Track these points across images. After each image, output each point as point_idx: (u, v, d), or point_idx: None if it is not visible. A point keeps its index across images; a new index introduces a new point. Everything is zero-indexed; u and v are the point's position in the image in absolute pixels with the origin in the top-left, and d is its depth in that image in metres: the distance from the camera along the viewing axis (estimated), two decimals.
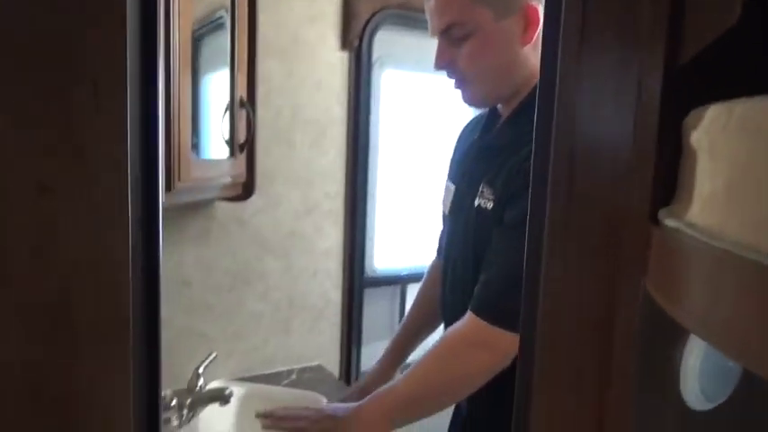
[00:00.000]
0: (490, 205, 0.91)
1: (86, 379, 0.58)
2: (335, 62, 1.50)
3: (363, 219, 1.62)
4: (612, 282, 0.50)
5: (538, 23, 0.85)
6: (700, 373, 0.56)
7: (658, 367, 0.54)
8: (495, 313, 0.86)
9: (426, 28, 0.94)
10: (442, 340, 0.93)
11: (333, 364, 1.65)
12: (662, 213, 0.44)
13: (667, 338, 0.55)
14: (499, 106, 0.99)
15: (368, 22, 1.51)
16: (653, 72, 0.41)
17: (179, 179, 0.99)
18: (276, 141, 1.43)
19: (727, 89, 0.40)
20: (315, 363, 1.60)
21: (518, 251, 0.79)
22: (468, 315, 0.90)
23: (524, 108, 0.92)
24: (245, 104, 1.17)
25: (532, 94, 0.90)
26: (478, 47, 0.87)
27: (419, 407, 0.93)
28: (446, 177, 1.11)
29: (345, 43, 1.50)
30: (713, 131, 0.37)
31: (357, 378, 1.72)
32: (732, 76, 0.41)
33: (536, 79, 0.66)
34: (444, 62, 0.91)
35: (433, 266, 1.25)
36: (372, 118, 1.60)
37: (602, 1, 0.44)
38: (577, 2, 0.46)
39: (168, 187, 0.97)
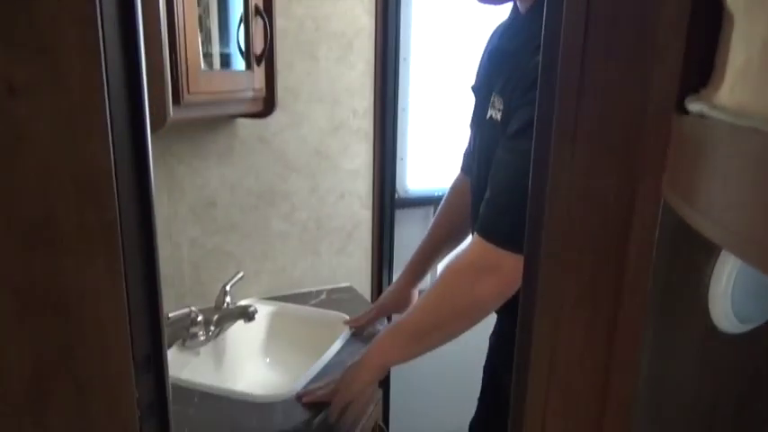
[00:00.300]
0: (499, 116, 0.85)
1: (77, 288, 0.57)
2: None
3: (393, 137, 1.55)
4: (629, 185, 0.43)
5: None
6: (733, 292, 0.49)
7: (682, 284, 0.48)
8: (501, 234, 0.80)
9: None
10: (448, 268, 0.89)
11: (363, 286, 1.64)
12: (688, 100, 0.37)
13: (695, 252, 0.48)
14: (519, 5, 0.89)
15: None
16: None
17: (188, 91, 0.95)
18: (299, 55, 1.36)
19: None
20: (345, 284, 1.59)
21: (521, 164, 0.72)
22: (474, 238, 0.86)
23: (540, 3, 0.83)
24: (260, 13, 1.10)
25: None
26: None
27: (429, 339, 0.91)
28: (473, 87, 1.04)
29: None
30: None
31: None
32: None
33: None
34: None
35: (456, 181, 1.19)
36: (403, 28, 1.50)
37: None
38: None
39: (176, 100, 0.93)
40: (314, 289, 1.55)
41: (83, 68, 0.53)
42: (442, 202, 1.22)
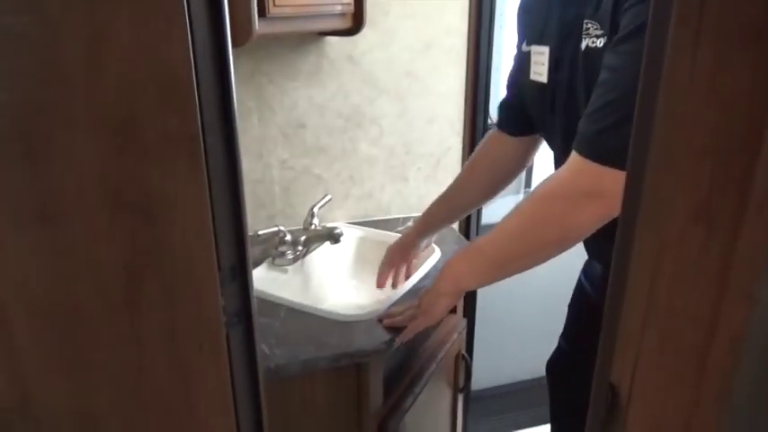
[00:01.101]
0: (601, 42, 0.75)
1: (162, 194, 0.58)
2: None
3: (488, 58, 1.45)
4: (760, 92, 0.35)
5: None
6: None
7: None
8: (608, 151, 0.71)
9: None
10: (539, 194, 0.81)
11: None
12: None
13: None
14: None
15: None
16: None
17: (273, 3, 0.92)
18: None
19: None
20: None
21: (635, 67, 0.62)
22: (573, 157, 0.76)
23: None
24: None
25: None
26: None
27: (512, 266, 0.86)
28: (520, 44, 0.97)
29: None
30: None
31: (477, 234, 1.67)
32: None
33: None
34: None
35: (487, 143, 1.13)
36: None
37: None
38: None
39: (262, 12, 0.91)
40: (401, 216, 1.53)
41: None
42: (467, 164, 1.17)
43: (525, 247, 0.83)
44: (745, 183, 0.38)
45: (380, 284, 1.21)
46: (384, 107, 1.40)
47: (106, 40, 0.51)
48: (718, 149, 0.38)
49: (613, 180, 0.69)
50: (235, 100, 0.61)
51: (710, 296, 0.42)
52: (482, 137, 1.54)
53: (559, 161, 0.90)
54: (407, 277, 1.21)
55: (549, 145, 0.99)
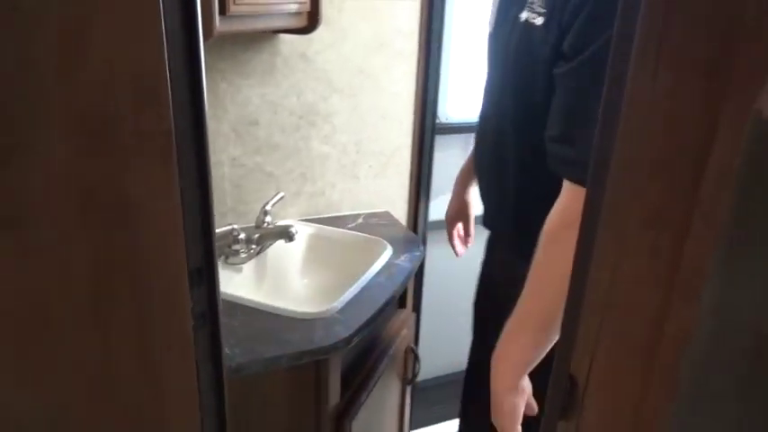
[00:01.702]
0: (540, 20, 0.75)
1: (135, 194, 0.58)
2: None
3: (438, 60, 1.50)
4: (714, 105, 0.40)
5: None
6: None
7: (762, 212, 0.46)
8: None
9: None
10: (547, 231, 0.77)
11: (400, 212, 1.64)
12: None
13: None
14: None
15: None
16: None
17: (234, 2, 0.92)
18: None
19: None
20: (383, 209, 1.60)
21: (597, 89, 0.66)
22: (568, 188, 0.74)
23: None
24: None
25: None
26: None
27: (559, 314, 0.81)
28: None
29: None
30: None
31: (425, 226, 1.71)
32: None
33: None
34: None
35: None
36: None
37: None
38: None
39: (222, 10, 0.90)
40: (351, 213, 1.55)
41: None
42: None
43: (559, 295, 0.79)
44: (692, 195, 0.43)
45: (460, 253, 1.29)
46: (337, 105, 1.42)
47: (80, 39, 0.51)
48: (670, 165, 0.43)
49: None
50: (206, 100, 0.61)
51: (660, 295, 0.47)
52: (431, 135, 1.59)
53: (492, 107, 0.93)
54: (469, 234, 1.29)
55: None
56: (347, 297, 1.10)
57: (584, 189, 0.67)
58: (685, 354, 0.47)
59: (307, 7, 1.14)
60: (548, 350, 0.78)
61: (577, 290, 0.52)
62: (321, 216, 1.51)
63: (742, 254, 0.45)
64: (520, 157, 0.88)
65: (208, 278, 0.69)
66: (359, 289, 1.14)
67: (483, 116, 0.99)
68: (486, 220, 1.03)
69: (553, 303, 0.73)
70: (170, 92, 0.56)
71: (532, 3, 0.77)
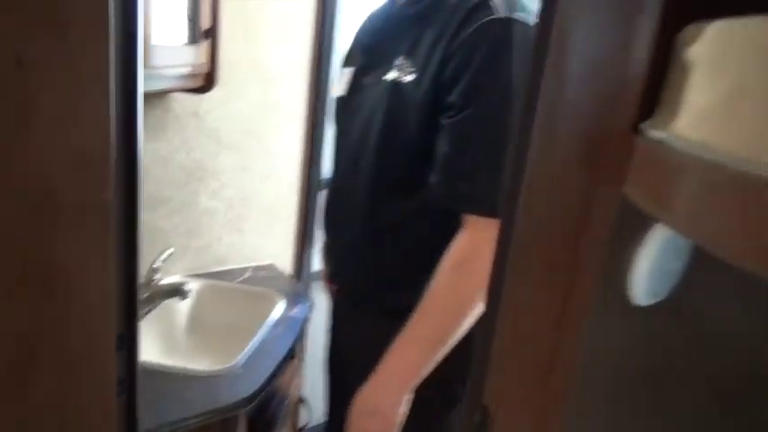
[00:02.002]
0: (410, 77, 0.84)
1: (69, 266, 0.58)
2: None
3: (323, 121, 1.60)
4: (591, 189, 0.53)
5: None
6: (649, 274, 0.62)
7: (615, 267, 0.60)
8: (497, 205, 0.78)
9: None
10: (447, 268, 0.83)
11: (285, 263, 1.68)
12: (645, 125, 0.47)
13: (626, 242, 0.60)
14: None
15: None
16: None
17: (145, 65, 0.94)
18: (239, 32, 1.36)
19: (715, 8, 0.42)
20: (267, 262, 1.63)
21: (479, 127, 0.79)
22: (469, 222, 0.82)
23: None
24: None
25: None
26: None
27: (444, 345, 0.85)
28: (343, 66, 1.04)
29: None
30: (716, 46, 0.39)
31: (309, 277, 1.76)
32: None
33: None
34: None
35: None
36: (338, 18, 1.54)
37: None
38: None
39: None
40: (238, 266, 1.56)
41: (93, 44, 0.54)
42: None
43: (452, 322, 0.84)
44: (576, 250, 0.55)
45: None
46: (225, 162, 1.44)
47: (24, 115, 0.52)
48: (561, 225, 0.55)
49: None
50: (141, 170, 0.64)
51: (554, 328, 0.58)
52: (315, 192, 1.67)
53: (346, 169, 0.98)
54: None
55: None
56: (248, 352, 1.12)
57: (487, 219, 0.79)
58: (574, 378, 0.59)
59: (205, 69, 1.18)
60: (428, 371, 0.85)
61: (489, 323, 0.62)
62: (209, 271, 1.50)
63: (605, 301, 0.58)
64: (379, 212, 0.92)
65: (129, 345, 0.69)
66: (258, 343, 1.16)
67: (338, 174, 1.01)
68: (337, 277, 1.05)
69: (444, 330, 0.84)
70: (111, 165, 0.58)
71: (401, 65, 0.86)
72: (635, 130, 0.49)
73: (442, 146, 0.82)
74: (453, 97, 0.80)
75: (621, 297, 0.65)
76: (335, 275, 1.06)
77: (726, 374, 0.54)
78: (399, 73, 0.87)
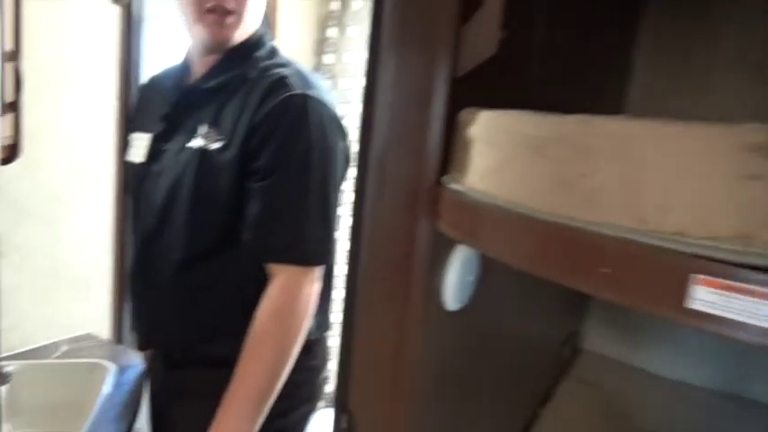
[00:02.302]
0: (217, 145, 0.91)
1: None
2: (106, 17, 1.43)
3: None
4: (414, 224, 0.72)
5: None
6: (455, 285, 0.84)
7: (434, 282, 0.80)
8: (306, 253, 0.91)
9: None
10: (261, 324, 0.90)
11: (104, 329, 1.61)
12: (445, 179, 0.68)
13: (440, 262, 0.80)
14: (195, 56, 1.01)
15: None
16: (440, 82, 0.63)
17: None
18: (40, 98, 1.31)
19: (480, 96, 0.64)
20: (84, 332, 1.54)
21: (289, 186, 0.89)
22: (278, 271, 0.91)
23: (236, 52, 0.97)
24: (14, 57, 1.08)
25: (245, 41, 0.97)
26: None
27: (274, 390, 0.91)
28: (131, 130, 1.06)
29: None
30: (487, 129, 0.60)
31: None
32: (485, 88, 0.66)
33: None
34: None
35: None
36: (142, 77, 1.57)
37: (404, 40, 0.65)
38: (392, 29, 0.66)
39: None
40: (53, 341, 1.46)
41: None
42: None
43: (274, 374, 0.90)
44: (407, 272, 0.73)
45: None
46: (31, 232, 1.36)
47: None
48: (395, 253, 0.72)
49: (315, 272, 0.92)
50: None
51: (396, 337, 0.75)
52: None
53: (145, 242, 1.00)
54: None
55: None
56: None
57: (296, 267, 0.90)
58: (416, 379, 0.76)
59: (10, 141, 1.13)
60: (260, 423, 0.90)
61: (347, 341, 0.76)
62: (17, 351, 1.38)
63: (429, 310, 0.77)
64: (192, 272, 0.96)
65: None
66: (94, 419, 1.12)
67: (142, 238, 1.01)
68: (152, 341, 1.08)
69: (271, 377, 0.90)
70: None
71: (206, 134, 0.92)
72: (439, 183, 0.69)
73: (253, 207, 0.90)
74: (260, 163, 0.89)
75: (439, 305, 0.85)
76: (150, 340, 1.07)
77: (508, 362, 0.78)
78: (206, 141, 0.92)
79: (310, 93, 0.91)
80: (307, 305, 0.92)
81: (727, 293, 0.34)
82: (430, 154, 0.68)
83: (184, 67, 1.03)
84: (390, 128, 0.70)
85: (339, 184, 0.96)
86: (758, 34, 0.93)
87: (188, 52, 1.02)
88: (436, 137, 0.68)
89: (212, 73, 0.96)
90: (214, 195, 0.92)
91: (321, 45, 2.27)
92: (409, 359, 0.75)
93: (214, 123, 0.92)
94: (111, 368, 1.31)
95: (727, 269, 0.35)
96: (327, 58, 2.24)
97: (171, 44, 1.73)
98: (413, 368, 0.75)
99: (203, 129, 0.93)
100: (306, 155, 0.89)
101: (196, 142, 0.92)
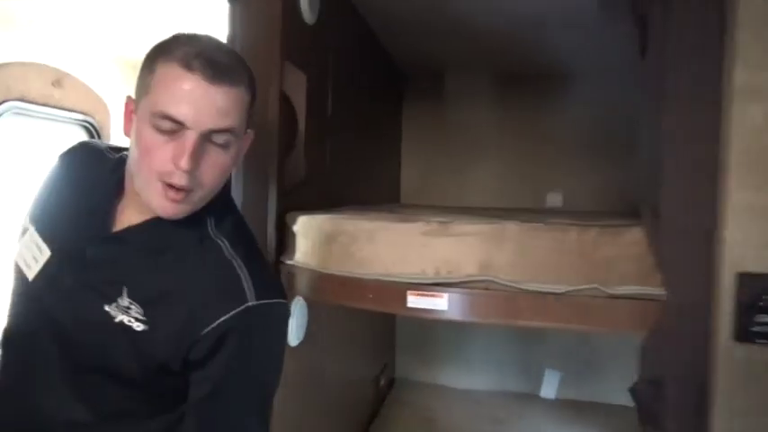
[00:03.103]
0: (140, 327, 0.75)
1: None
2: None
3: None
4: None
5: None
6: (296, 326, 1.19)
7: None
8: None
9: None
10: None
11: None
12: (283, 258, 1.05)
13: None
14: (132, 191, 0.76)
15: None
16: (272, 195, 1.02)
17: None
18: None
19: (297, 202, 1.04)
20: None
21: (226, 416, 0.75)
22: None
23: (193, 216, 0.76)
24: None
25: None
26: (230, 159, 0.74)
27: None
28: (29, 221, 0.82)
29: None
30: (303, 226, 1.00)
31: None
32: (301, 197, 1.07)
33: None
34: (195, 165, 0.71)
35: None
36: None
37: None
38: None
39: None
40: None
41: None
42: None
43: None
44: None
45: None
46: None
47: None
48: None
49: None
50: None
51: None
52: None
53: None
54: None
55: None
56: None
57: None
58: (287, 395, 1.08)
59: None
60: None
61: None
62: None
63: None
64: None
65: None
66: None
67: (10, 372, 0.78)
68: None
69: None
70: None
71: (127, 308, 0.77)
72: (279, 261, 1.06)
73: (188, 425, 0.76)
74: (202, 374, 0.76)
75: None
76: None
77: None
78: (126, 317, 0.76)
79: (267, 300, 0.76)
80: None
81: (424, 298, 0.77)
82: (269, 240, 1.06)
83: (115, 190, 0.79)
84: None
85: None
86: None
87: (127, 169, 0.77)
88: (272, 230, 1.06)
89: (145, 228, 0.78)
90: (126, 373, 0.76)
91: None
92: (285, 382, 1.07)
93: (136, 298, 0.76)
94: None
95: (424, 287, 0.77)
96: None
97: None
98: (287, 387, 1.08)
99: (124, 300, 0.76)
100: (257, 375, 0.77)
101: (116, 314, 0.76)
